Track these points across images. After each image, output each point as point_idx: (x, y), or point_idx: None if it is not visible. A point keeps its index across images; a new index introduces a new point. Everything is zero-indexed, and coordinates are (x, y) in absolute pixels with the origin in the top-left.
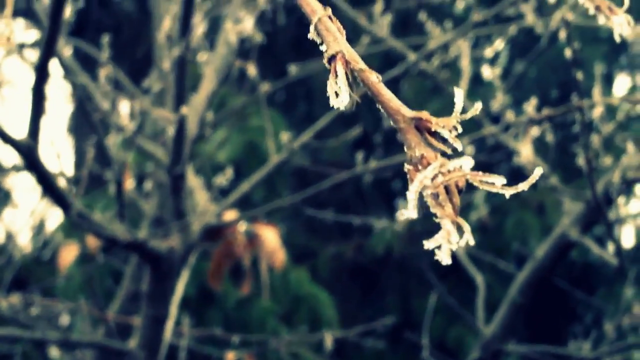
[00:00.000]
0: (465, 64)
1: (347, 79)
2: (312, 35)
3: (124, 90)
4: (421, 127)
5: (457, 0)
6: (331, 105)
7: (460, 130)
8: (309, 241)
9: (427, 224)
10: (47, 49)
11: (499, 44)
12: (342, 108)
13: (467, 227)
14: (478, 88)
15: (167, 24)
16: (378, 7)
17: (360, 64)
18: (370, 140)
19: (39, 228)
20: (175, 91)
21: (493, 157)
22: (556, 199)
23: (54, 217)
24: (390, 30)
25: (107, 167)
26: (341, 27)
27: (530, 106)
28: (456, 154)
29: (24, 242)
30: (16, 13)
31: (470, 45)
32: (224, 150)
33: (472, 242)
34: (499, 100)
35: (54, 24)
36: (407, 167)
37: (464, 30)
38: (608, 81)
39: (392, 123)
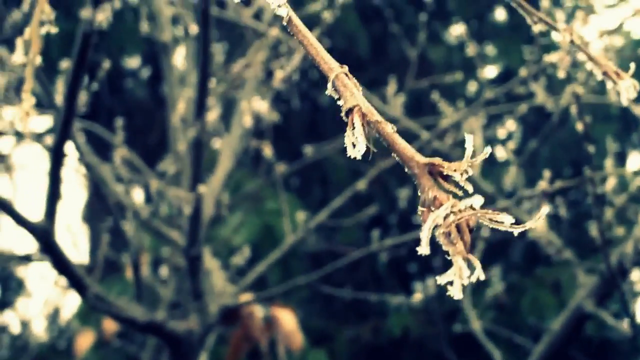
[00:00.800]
0: (477, 142)
1: (364, 130)
2: (329, 91)
3: (139, 174)
4: (434, 172)
5: (469, 80)
6: (348, 155)
7: (471, 173)
8: (326, 324)
9: (444, 305)
10: (63, 131)
11: (511, 125)
12: (358, 157)
13: (478, 264)
14: (491, 168)
15: (181, 107)
16: (391, 88)
17: (376, 116)
18: (385, 222)
19: (54, 316)
20: (191, 172)
21: (506, 233)
22: (572, 276)
23: (69, 305)
24: (403, 110)
25: (122, 252)
26: (357, 83)
27: (543, 180)
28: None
29: (40, 330)
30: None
31: (483, 125)
32: (240, 233)
33: (482, 277)
34: (511, 176)
35: (69, 107)
36: (420, 209)
37: (476, 109)
38: (621, 159)
39: (407, 170)
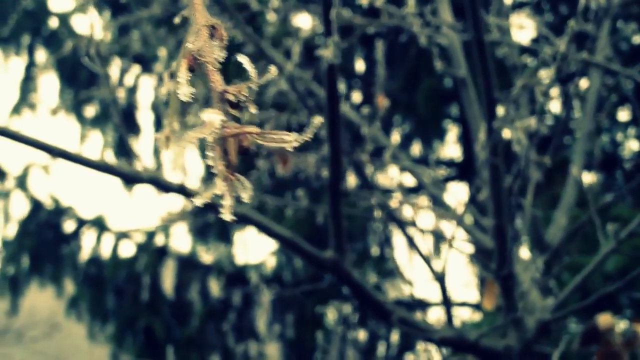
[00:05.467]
0: None
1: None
2: (190, 39)
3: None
4: (224, 98)
5: None
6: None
7: (248, 95)
8: None
9: None
10: (335, 169)
11: None
12: (185, 99)
13: (247, 184)
14: None
15: (482, 136)
16: None
17: (207, 59)
18: None
19: None
20: (491, 194)
21: None
22: None
23: None
24: None
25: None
26: (224, 33)
27: None
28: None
29: None
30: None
31: None
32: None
33: (247, 196)
34: None
35: (334, 141)
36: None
37: None
38: None
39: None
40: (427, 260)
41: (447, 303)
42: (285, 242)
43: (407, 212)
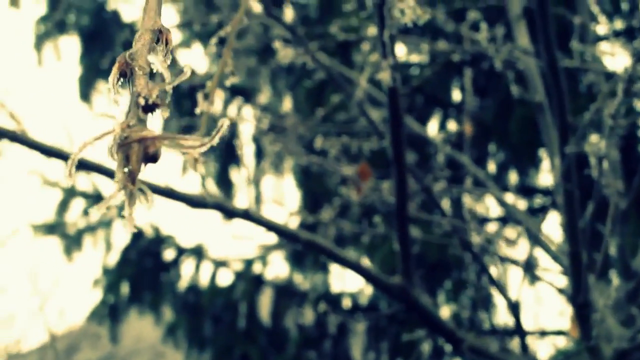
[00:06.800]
0: None
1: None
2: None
3: None
4: (139, 103)
5: None
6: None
7: (164, 98)
8: None
9: None
10: (401, 193)
11: None
12: (114, 104)
13: (150, 194)
14: None
15: (556, 163)
16: None
17: (138, 63)
18: None
19: None
20: (567, 224)
21: None
22: None
23: None
24: None
25: None
26: (170, 36)
27: None
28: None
29: None
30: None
31: None
32: None
33: (150, 205)
34: None
35: (400, 165)
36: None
37: None
38: None
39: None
40: (501, 289)
41: (521, 331)
42: (351, 268)
43: (481, 239)
